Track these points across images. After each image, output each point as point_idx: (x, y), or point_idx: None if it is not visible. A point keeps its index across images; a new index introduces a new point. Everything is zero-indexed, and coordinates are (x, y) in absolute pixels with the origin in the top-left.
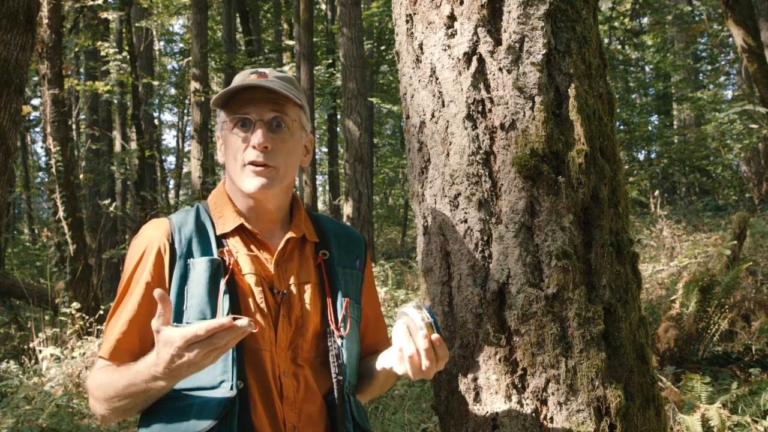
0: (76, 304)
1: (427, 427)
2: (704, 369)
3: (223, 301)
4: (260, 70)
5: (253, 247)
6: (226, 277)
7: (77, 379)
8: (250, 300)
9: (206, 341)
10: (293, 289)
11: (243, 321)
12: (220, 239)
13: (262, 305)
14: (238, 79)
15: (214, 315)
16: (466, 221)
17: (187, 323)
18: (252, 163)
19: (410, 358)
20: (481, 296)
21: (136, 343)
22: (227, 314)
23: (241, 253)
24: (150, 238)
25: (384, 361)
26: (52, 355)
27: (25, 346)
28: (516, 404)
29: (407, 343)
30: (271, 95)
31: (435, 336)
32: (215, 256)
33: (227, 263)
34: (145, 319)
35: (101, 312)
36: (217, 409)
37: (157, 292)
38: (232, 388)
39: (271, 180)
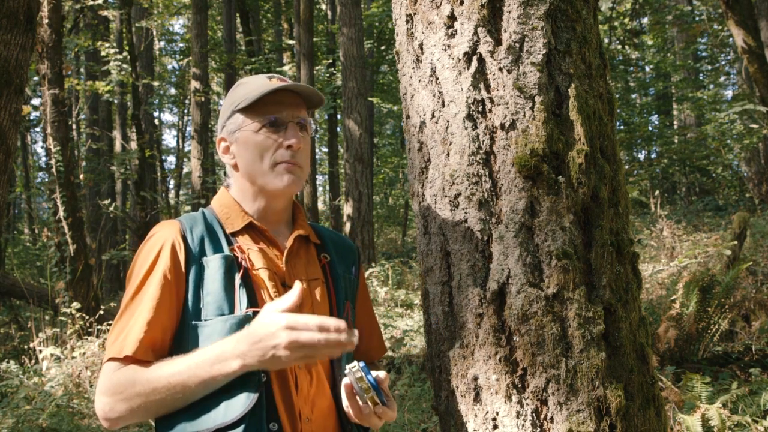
0: (76, 304)
1: (427, 427)
2: (704, 369)
3: (240, 296)
4: (276, 76)
5: (262, 243)
6: (241, 272)
7: (77, 379)
8: (265, 294)
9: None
10: (303, 284)
11: (354, 338)
12: (230, 238)
13: (276, 299)
14: (259, 83)
15: (231, 310)
16: (466, 221)
17: (206, 320)
18: (285, 162)
19: (355, 415)
20: (481, 296)
21: (159, 339)
22: (246, 308)
23: (252, 249)
24: (164, 237)
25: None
26: (52, 355)
27: (26, 346)
28: (516, 404)
29: (351, 406)
30: (297, 99)
31: (379, 407)
32: (227, 252)
33: (240, 259)
34: (166, 313)
35: (101, 312)
36: (246, 401)
37: (297, 284)
38: (258, 381)
39: (299, 178)
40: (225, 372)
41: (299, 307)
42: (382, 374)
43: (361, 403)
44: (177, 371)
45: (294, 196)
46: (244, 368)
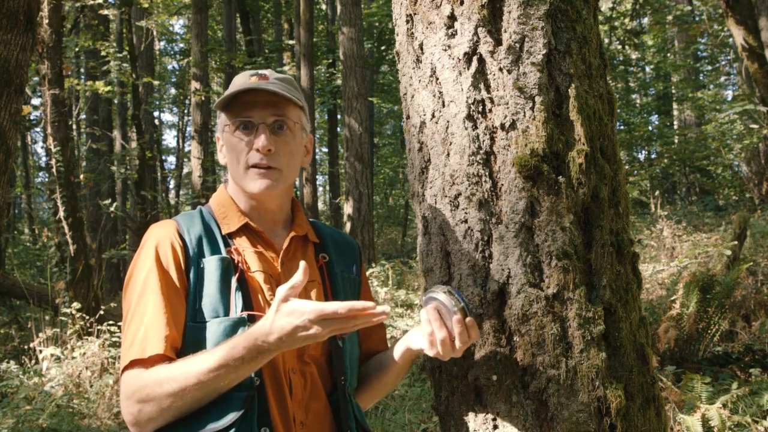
0: (76, 305)
1: (427, 427)
2: (704, 369)
3: (236, 298)
4: (260, 72)
5: (258, 245)
6: (237, 274)
7: (77, 379)
8: (260, 297)
9: (342, 320)
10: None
11: (385, 307)
12: (227, 239)
13: (272, 302)
14: (239, 81)
15: (227, 312)
16: (466, 221)
17: (200, 323)
18: (256, 166)
19: (442, 342)
20: (482, 296)
21: (177, 337)
22: (241, 311)
23: (248, 251)
24: (162, 237)
25: (411, 342)
26: (52, 355)
27: (26, 347)
28: (516, 404)
29: (439, 328)
30: (272, 98)
31: (469, 319)
32: (224, 254)
33: (236, 261)
34: (176, 310)
35: (101, 312)
36: (238, 405)
37: (302, 264)
38: (251, 384)
39: (275, 181)
40: (253, 365)
41: None
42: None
43: (451, 322)
44: (211, 362)
45: (293, 194)
46: (267, 359)
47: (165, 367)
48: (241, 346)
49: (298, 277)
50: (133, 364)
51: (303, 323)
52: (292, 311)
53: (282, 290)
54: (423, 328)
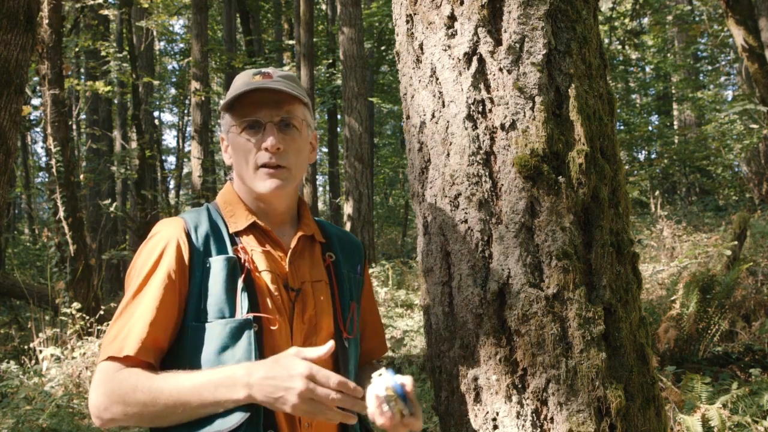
0: (76, 305)
1: (428, 427)
2: (704, 369)
3: (242, 299)
4: (263, 70)
5: (266, 244)
6: (243, 274)
7: (77, 379)
8: (267, 297)
9: (326, 388)
10: (307, 286)
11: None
12: (234, 237)
13: (279, 302)
14: (242, 81)
15: (233, 313)
16: (466, 221)
17: (204, 323)
18: (265, 165)
19: (383, 425)
20: (482, 296)
21: (161, 339)
22: (247, 312)
23: (255, 250)
24: (169, 235)
25: (366, 399)
26: (52, 355)
27: (26, 347)
28: (516, 404)
29: (380, 416)
30: (278, 96)
31: (407, 419)
32: (231, 254)
33: (243, 261)
34: (168, 313)
35: (101, 312)
36: (243, 408)
37: (330, 344)
38: None
39: (285, 180)
40: (229, 398)
41: (302, 310)
42: (408, 380)
43: (389, 412)
44: (181, 387)
45: (297, 193)
46: (248, 399)
47: (145, 374)
48: (220, 373)
49: (320, 352)
50: (111, 359)
51: (292, 372)
52: (293, 356)
53: (294, 350)
54: (368, 407)
